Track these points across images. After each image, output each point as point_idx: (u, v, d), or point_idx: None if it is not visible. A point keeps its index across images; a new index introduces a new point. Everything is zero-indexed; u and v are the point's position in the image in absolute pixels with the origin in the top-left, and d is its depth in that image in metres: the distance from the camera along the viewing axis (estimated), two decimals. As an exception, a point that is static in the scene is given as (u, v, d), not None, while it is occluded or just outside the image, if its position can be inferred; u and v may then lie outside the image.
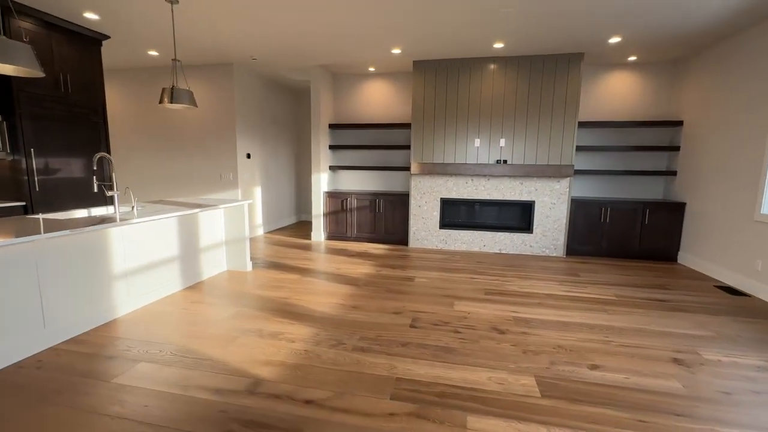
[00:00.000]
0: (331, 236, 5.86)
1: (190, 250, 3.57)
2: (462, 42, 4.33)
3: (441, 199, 5.33)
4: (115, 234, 2.77)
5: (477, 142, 5.07)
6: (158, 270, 3.20)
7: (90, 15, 3.68)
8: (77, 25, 3.89)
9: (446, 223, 5.45)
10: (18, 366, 2.16)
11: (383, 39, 4.27)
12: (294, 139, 7.41)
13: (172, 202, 3.67)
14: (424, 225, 5.43)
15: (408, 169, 5.65)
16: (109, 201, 4.35)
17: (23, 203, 3.56)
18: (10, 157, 3.52)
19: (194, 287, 3.56)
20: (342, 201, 5.71)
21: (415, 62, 5.12)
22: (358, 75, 5.95)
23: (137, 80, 5.75)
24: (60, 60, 3.81)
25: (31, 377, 2.05)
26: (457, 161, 5.14)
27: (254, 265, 4.31)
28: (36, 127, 3.64)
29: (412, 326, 2.78)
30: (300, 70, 5.71)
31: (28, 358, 2.24)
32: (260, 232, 6.28)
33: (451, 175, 5.21)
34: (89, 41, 4.09)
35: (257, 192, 6.14)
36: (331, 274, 4.07)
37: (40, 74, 2.23)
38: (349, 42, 4.37)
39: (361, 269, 4.27)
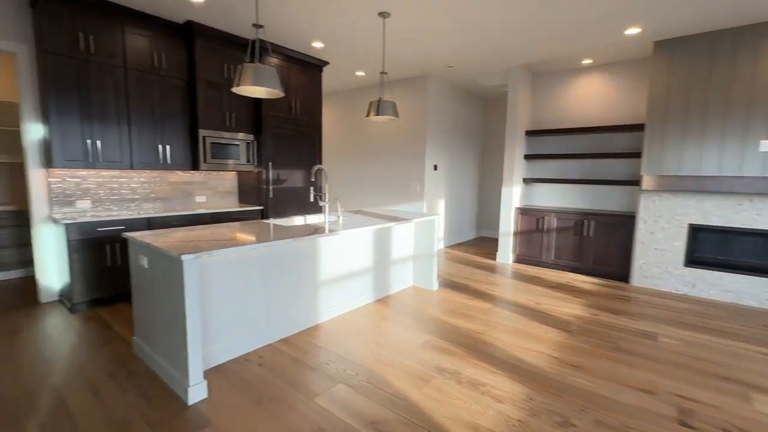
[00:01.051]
0: (520, 259, 5.09)
1: (382, 262, 3.52)
2: (742, 2, 2.95)
3: (690, 225, 3.85)
4: (323, 242, 2.88)
5: (764, 145, 3.42)
6: (354, 280, 3.23)
7: (317, 44, 4.15)
8: (307, 55, 4.48)
9: (696, 259, 3.90)
10: (245, 358, 2.37)
11: (617, 18, 3.32)
12: (478, 150, 6.96)
13: (370, 213, 3.73)
14: (658, 259, 4.04)
15: (632, 183, 4.36)
16: (319, 209, 4.87)
17: (261, 207, 4.27)
18: (256, 170, 4.29)
19: (383, 301, 3.49)
20: (537, 219, 4.88)
21: (657, 43, 3.88)
22: (564, 71, 5.02)
23: (340, 101, 6.45)
24: (294, 86, 4.45)
25: (253, 374, 2.19)
26: (723, 174, 3.60)
27: (439, 284, 4.01)
28: (274, 144, 4.33)
29: (682, 424, 1.83)
30: (495, 74, 5.21)
31: (252, 351, 2.46)
32: (441, 245, 6.06)
33: (709, 193, 3.70)
34: (314, 69, 4.67)
35: (441, 204, 5.95)
36: (529, 308, 3.37)
37: (281, 94, 2.44)
38: (569, 30, 3.60)
39: (569, 308, 3.39)
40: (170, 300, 1.99)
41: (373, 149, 6.11)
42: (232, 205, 4.31)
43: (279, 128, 4.36)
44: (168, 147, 3.67)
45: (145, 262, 2.16)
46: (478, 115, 6.80)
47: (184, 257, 1.77)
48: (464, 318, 3.12)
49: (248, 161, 4.20)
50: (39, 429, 1.71)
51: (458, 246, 6.25)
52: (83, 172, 3.43)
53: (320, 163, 4.86)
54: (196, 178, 4.23)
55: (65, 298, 3.21)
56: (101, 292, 3.18)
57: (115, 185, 3.64)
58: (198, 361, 1.91)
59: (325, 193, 2.97)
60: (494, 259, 5.32)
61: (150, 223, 3.41)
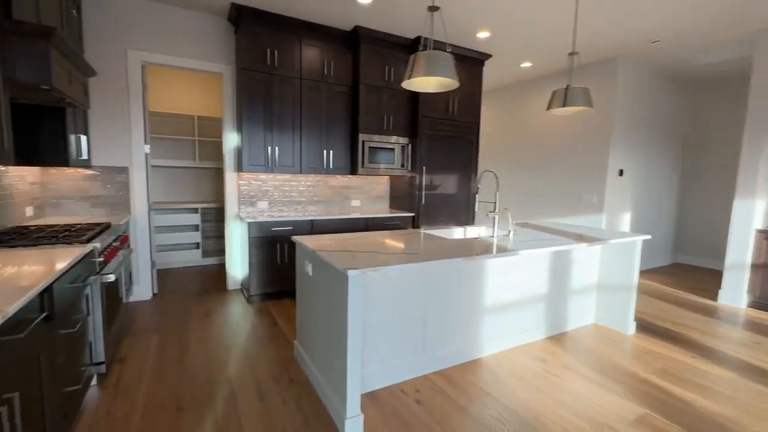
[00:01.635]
0: (762, 304, 3.55)
1: (559, 290, 2.82)
2: None
3: None
4: (490, 262, 2.40)
5: None
6: (525, 310, 2.65)
7: (483, 34, 3.70)
8: (468, 49, 4.07)
9: None
10: (400, 389, 2.08)
11: None
12: (680, 150, 5.33)
13: (541, 228, 3.07)
14: None
15: None
16: (473, 219, 4.41)
17: (412, 214, 4.06)
18: (409, 174, 4.10)
19: (558, 340, 2.78)
20: (800, 249, 3.30)
21: None
22: None
23: (496, 98, 5.81)
24: (452, 85, 4.11)
25: (411, 413, 1.88)
26: None
27: (635, 326, 3.03)
28: (429, 147, 4.07)
29: None
30: (724, 45, 3.80)
31: (407, 381, 2.16)
32: (621, 271, 4.81)
33: None
34: (475, 63, 4.24)
35: (625, 219, 4.72)
36: (810, 391, 2.16)
37: (455, 84, 2.08)
38: None
39: None
40: (331, 314, 1.84)
41: (534, 152, 5.30)
42: (384, 210, 4.23)
43: (434, 130, 4.08)
44: (331, 152, 3.78)
45: (309, 269, 2.09)
46: (684, 105, 5.20)
47: (350, 273, 1.56)
48: (693, 388, 2.17)
49: (402, 165, 4.04)
50: (213, 424, 1.74)
51: (649, 273, 4.87)
52: (264, 176, 3.80)
53: (475, 168, 4.39)
54: (353, 183, 4.30)
55: (244, 287, 3.58)
56: (271, 287, 3.43)
57: (287, 188, 3.94)
58: (356, 390, 1.69)
59: (495, 202, 2.49)
60: (714, 298, 3.87)
61: (313, 225, 3.54)
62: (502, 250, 2.08)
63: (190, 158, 4.88)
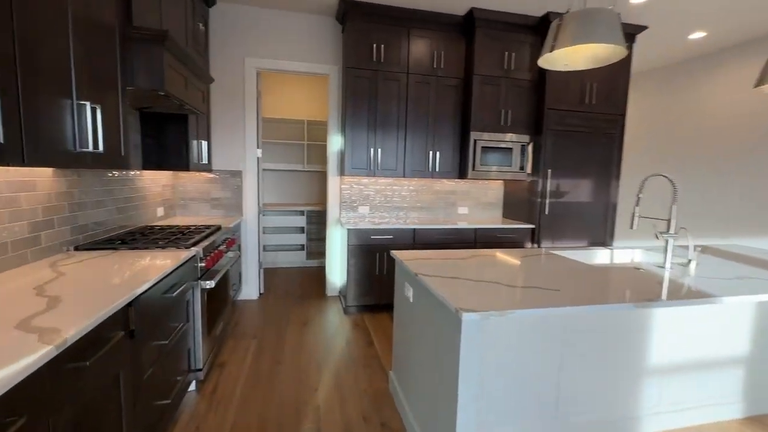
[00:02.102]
0: None
1: (761, 352, 1.92)
2: None
3: None
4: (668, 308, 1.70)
5: None
6: (708, 375, 1.84)
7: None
8: (615, 21, 3.25)
9: None
10: (523, 465, 1.57)
11: None
12: None
13: (735, 256, 2.16)
14: None
15: None
16: (609, 233, 3.53)
17: (532, 226, 3.41)
18: (529, 178, 3.46)
19: (761, 421, 1.89)
20: None
21: None
22: None
23: (645, 83, 4.63)
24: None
25: None
26: None
27: None
28: (555, 146, 3.36)
29: None
30: None
31: (532, 454, 1.63)
32: None
33: None
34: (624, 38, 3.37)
35: None
36: None
37: (624, 52, 1.48)
38: None
39: None
40: (436, 355, 1.44)
41: (699, 150, 4.05)
42: (496, 221, 3.66)
43: (563, 125, 3.35)
44: (437, 153, 3.39)
45: (410, 294, 1.72)
46: None
47: (465, 316, 1.13)
48: None
49: (521, 168, 3.42)
50: (295, 471, 1.50)
51: None
52: (365, 180, 3.61)
53: (617, 169, 3.49)
54: (460, 187, 3.84)
55: (342, 296, 3.43)
56: (369, 299, 3.20)
57: (389, 193, 3.68)
58: (466, 471, 1.25)
59: (670, 219, 1.76)
60: None
61: (415, 235, 3.20)
62: (693, 295, 1.40)
63: (299, 162, 5.03)
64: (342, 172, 3.37)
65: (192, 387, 2.02)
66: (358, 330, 2.89)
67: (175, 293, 1.64)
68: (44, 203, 1.63)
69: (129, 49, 1.71)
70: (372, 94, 3.21)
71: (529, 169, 3.44)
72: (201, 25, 2.86)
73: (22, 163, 1.10)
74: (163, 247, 1.88)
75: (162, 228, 2.46)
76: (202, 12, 2.95)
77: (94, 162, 1.46)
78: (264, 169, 4.88)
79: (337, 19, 3.36)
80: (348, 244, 3.09)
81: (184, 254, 1.78)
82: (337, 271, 3.69)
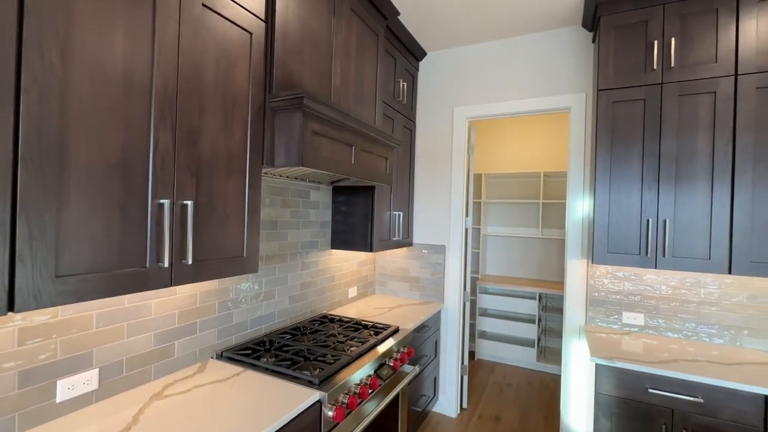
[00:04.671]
0: None
1: None
2: None
3: None
4: None
5: None
6: None
7: None
8: None
9: None
10: None
11: None
12: None
13: None
14: None
15: None
16: None
17: None
18: None
19: None
20: None
21: None
22: None
23: None
24: None
25: None
26: None
27: None
28: None
29: None
30: None
31: None
32: None
33: None
34: None
35: None
36: None
37: None
38: None
39: None
40: None
41: None
42: None
43: None
44: (832, 228, 1.53)
45: None
46: None
47: None
48: None
49: None
50: None
51: None
52: (636, 270, 2.12)
53: None
54: None
55: (586, 467, 2.01)
56: (641, 508, 1.66)
57: (690, 297, 2.00)
58: None
59: None
60: None
61: (767, 408, 1.46)
62: None
63: (532, 225, 3.89)
64: (590, 256, 2.07)
65: None
66: None
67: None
68: (183, 307, 1.44)
69: (270, 120, 1.37)
70: (650, 125, 1.84)
71: None
72: (401, 82, 2.48)
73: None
74: (293, 377, 1.37)
75: (336, 320, 2.05)
76: (407, 67, 2.60)
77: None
78: (486, 235, 4.04)
79: (584, 26, 2.24)
80: (596, 391, 1.74)
81: (296, 407, 1.17)
82: (579, 406, 2.27)
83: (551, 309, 3.71)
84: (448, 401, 2.66)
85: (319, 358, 1.52)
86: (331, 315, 2.19)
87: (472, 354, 3.80)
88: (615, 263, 1.90)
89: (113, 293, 0.92)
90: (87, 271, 0.88)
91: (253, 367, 1.46)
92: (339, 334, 1.82)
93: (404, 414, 1.96)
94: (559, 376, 3.35)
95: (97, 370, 1.17)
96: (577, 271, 2.28)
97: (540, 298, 3.57)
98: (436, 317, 2.58)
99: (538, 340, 3.55)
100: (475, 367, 3.50)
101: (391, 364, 1.77)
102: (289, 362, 1.47)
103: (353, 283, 2.61)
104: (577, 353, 2.27)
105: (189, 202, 1.08)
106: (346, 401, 1.38)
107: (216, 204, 1.20)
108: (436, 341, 2.60)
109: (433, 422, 2.55)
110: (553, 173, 3.69)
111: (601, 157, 1.94)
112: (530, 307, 3.50)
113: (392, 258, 2.87)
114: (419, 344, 2.28)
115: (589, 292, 2.23)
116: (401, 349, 1.89)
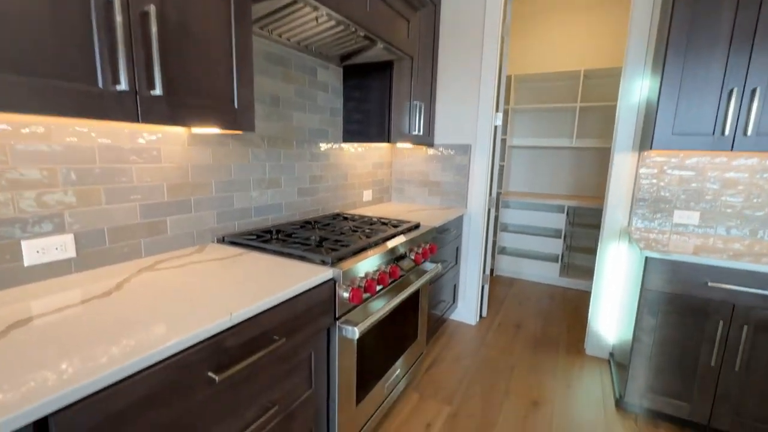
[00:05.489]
0: None
1: None
2: None
3: None
4: None
5: None
6: None
7: None
8: None
9: None
10: None
11: None
12: None
13: None
14: None
15: None
16: None
17: None
18: None
19: None
20: None
21: None
22: None
23: None
24: None
25: None
26: None
27: None
28: None
29: None
30: None
31: None
32: None
33: None
34: None
35: None
36: None
37: None
38: None
39: None
40: None
41: None
42: None
43: None
44: None
45: None
46: None
47: None
48: None
49: None
50: None
51: None
52: (703, 158, 1.81)
53: None
54: None
55: (615, 364, 1.91)
56: (678, 404, 1.55)
57: (755, 190, 1.72)
58: None
59: None
60: None
61: None
62: None
63: (565, 135, 3.51)
64: (648, 144, 1.76)
65: (325, 476, 1.30)
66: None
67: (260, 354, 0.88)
68: (172, 180, 1.23)
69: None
70: (755, -38, 1.41)
71: None
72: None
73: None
74: (301, 257, 1.19)
75: (347, 217, 1.86)
76: None
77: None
78: (511, 146, 3.69)
79: None
80: (643, 286, 1.55)
81: (323, 272, 1.01)
82: (610, 314, 2.13)
83: (578, 224, 3.49)
84: (467, 309, 2.57)
85: (332, 244, 1.33)
86: (344, 214, 1.99)
87: (490, 270, 3.69)
88: (681, 147, 1.60)
89: (53, 111, 0.69)
90: (9, 70, 0.64)
91: (260, 249, 1.29)
92: (356, 228, 1.63)
93: (424, 315, 1.84)
94: (584, 291, 3.22)
95: (71, 235, 0.99)
96: (624, 164, 1.98)
97: (568, 212, 3.32)
98: (459, 221, 2.38)
99: (562, 255, 3.38)
100: (493, 282, 3.39)
101: (413, 257, 1.59)
102: (299, 245, 1.29)
103: (368, 185, 2.39)
104: (615, 251, 2.06)
105: (150, 7, 0.80)
106: (363, 285, 1.21)
107: (190, 24, 0.91)
108: (457, 248, 2.42)
109: (451, 328, 2.48)
110: (596, 71, 3.20)
111: (679, 9, 1.54)
112: (557, 221, 3.28)
113: (411, 160, 2.60)
114: (440, 247, 2.11)
115: (635, 188, 1.95)
116: (423, 244, 1.70)
